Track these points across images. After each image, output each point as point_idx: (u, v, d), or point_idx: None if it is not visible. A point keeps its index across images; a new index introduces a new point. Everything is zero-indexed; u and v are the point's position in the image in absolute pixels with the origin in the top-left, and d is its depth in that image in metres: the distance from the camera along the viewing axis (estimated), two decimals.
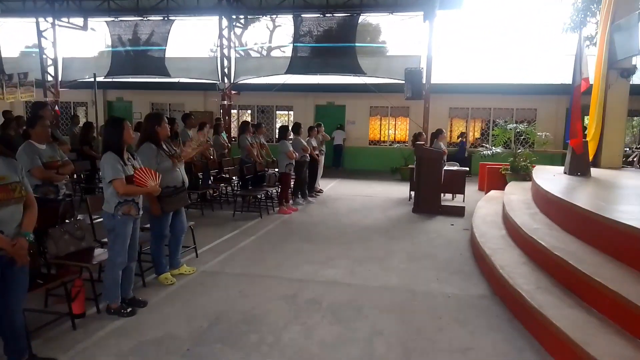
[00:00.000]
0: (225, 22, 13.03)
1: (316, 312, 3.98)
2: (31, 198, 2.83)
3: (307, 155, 8.88)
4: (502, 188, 8.93)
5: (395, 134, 15.99)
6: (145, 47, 13.61)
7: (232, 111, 15.07)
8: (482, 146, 11.83)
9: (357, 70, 12.59)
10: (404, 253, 5.81)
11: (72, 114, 15.00)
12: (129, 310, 3.82)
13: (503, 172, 9.83)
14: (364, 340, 3.49)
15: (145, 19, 13.41)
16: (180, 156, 4.57)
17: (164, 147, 4.42)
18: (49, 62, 13.90)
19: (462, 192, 9.50)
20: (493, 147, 10.47)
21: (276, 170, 8.76)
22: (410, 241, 6.41)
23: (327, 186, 11.21)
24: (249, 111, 16.99)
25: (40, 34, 13.58)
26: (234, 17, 13.27)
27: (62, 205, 4.17)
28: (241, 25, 15.35)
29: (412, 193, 9.18)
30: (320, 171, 10.40)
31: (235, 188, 9.25)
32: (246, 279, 4.78)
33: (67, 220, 4.14)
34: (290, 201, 8.68)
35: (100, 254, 4.12)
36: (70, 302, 3.59)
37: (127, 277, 3.95)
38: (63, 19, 13.70)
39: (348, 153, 15.71)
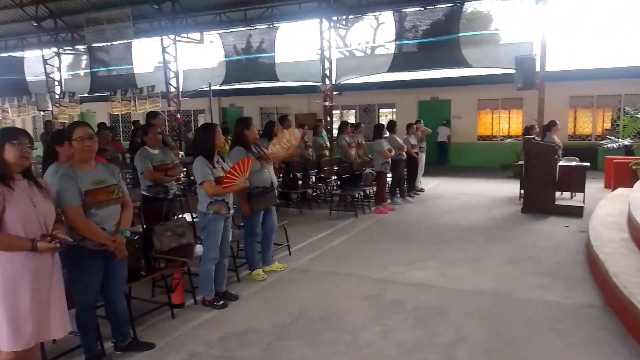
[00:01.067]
0: (325, 24, 13.30)
1: (399, 313, 3.88)
2: (127, 199, 3.18)
3: (404, 153, 8.68)
4: (631, 185, 7.85)
5: (508, 127, 14.90)
6: (255, 55, 14.44)
7: (335, 111, 15.32)
8: (608, 138, 10.48)
9: (461, 63, 11.95)
10: (503, 255, 5.40)
11: (187, 121, 16.43)
12: (221, 303, 4.09)
13: (633, 167, 8.63)
14: (446, 346, 3.32)
15: (252, 28, 14.24)
16: (268, 158, 4.76)
17: (253, 149, 4.65)
18: (172, 74, 15.44)
19: (582, 190, 8.50)
20: (620, 139, 9.23)
21: (373, 169, 8.71)
22: (513, 243, 5.93)
23: (430, 185, 10.84)
24: (353, 111, 17.12)
25: (164, 50, 15.15)
26: (334, 18, 13.48)
27: (165, 204, 4.60)
28: (344, 26, 15.53)
29: (523, 191, 8.47)
30: (421, 169, 10.09)
31: (334, 188, 9.39)
32: (333, 277, 4.84)
33: (171, 218, 4.57)
34: (388, 200, 8.57)
35: (199, 250, 4.48)
36: (170, 293, 3.95)
37: (220, 271, 4.23)
38: (183, 35, 15.11)
39: (454, 149, 15.03)
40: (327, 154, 10.47)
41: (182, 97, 15.65)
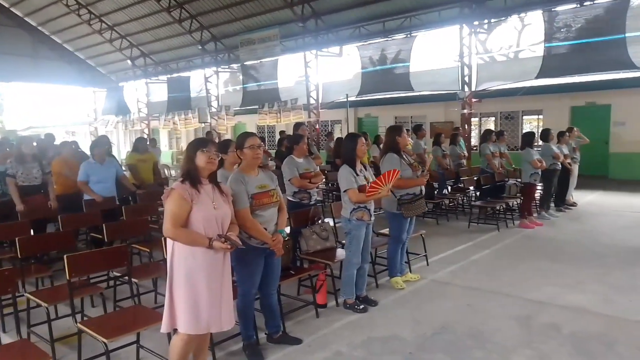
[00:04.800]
0: (466, 30, 12.84)
1: (553, 339, 3.56)
2: (282, 202, 3.46)
3: (559, 163, 7.93)
4: None
5: None
6: (390, 65, 14.54)
7: (474, 119, 14.65)
8: None
9: (628, 65, 10.49)
10: None
11: (328, 131, 17.16)
12: (361, 307, 4.20)
13: None
14: None
15: (390, 38, 14.37)
16: (418, 165, 4.76)
17: (404, 157, 4.69)
18: (312, 87, 16.31)
19: None
20: None
21: (518, 180, 8.11)
22: None
23: (585, 199, 9.73)
24: (492, 118, 16.19)
25: (306, 64, 16.10)
26: (476, 23, 12.94)
27: (312, 209, 4.87)
28: (485, 31, 14.83)
29: None
30: (574, 182, 9.12)
31: (473, 198, 8.97)
32: (476, 292, 4.62)
33: (315, 223, 4.83)
34: (535, 214, 7.91)
35: (340, 253, 4.66)
36: (315, 293, 4.18)
37: (361, 276, 4.35)
38: (323, 50, 15.90)
39: (615, 160, 13.26)
40: (465, 163, 10.07)
41: (321, 109, 16.43)
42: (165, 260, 5.05)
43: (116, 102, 23.10)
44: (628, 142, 13.09)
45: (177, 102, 20.17)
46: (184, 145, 24.25)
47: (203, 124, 19.27)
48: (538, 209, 8.18)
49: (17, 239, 3.88)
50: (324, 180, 9.61)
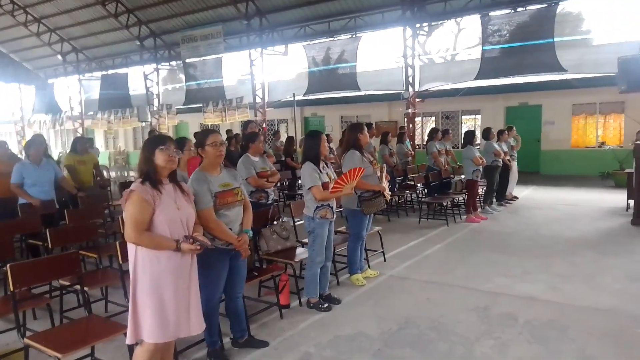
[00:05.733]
0: (409, 32, 13.20)
1: (511, 327, 3.72)
2: (247, 201, 3.35)
3: (500, 160, 8.34)
4: None
5: (605, 134, 13.82)
6: (337, 65, 14.65)
7: (416, 119, 15.11)
8: None
9: (557, 68, 11.24)
10: (620, 271, 4.99)
11: (275, 130, 17.02)
12: (325, 305, 4.17)
13: None
14: None
15: (335, 39, 14.48)
16: (377, 163, 4.80)
17: (365, 154, 4.70)
18: (258, 86, 16.10)
19: None
20: None
21: (462, 177, 8.45)
22: (629, 258, 5.46)
23: (521, 194, 10.31)
24: (433, 118, 16.78)
25: (251, 63, 15.86)
26: (417, 25, 13.34)
27: (271, 209, 4.78)
28: (425, 33, 15.33)
29: (631, 202, 7.78)
30: (514, 178, 9.65)
31: (420, 195, 9.23)
32: (434, 286, 4.74)
33: (274, 222, 4.74)
34: (479, 209, 8.27)
35: (301, 252, 4.61)
36: (278, 294, 4.09)
37: (324, 275, 4.32)
38: (269, 48, 15.73)
39: (546, 157, 14.20)
40: (411, 161, 10.35)
41: (267, 108, 16.25)
42: (112, 267, 4.80)
43: (47, 100, 21.58)
44: (557, 140, 14.06)
45: (112, 100, 19.15)
46: (122, 145, 23.08)
47: (143, 123, 18.45)
48: (482, 204, 8.56)
49: None
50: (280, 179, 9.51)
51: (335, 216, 4.29)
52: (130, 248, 2.61)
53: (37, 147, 5.66)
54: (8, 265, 2.93)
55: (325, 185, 4.06)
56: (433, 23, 14.73)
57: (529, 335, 3.56)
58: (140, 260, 2.58)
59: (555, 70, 11.31)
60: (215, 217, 3.03)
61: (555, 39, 11.29)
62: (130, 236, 2.53)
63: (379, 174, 4.64)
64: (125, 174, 17.52)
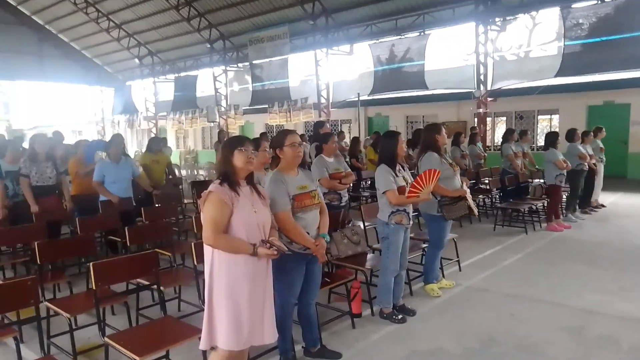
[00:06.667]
0: (481, 28, 12.58)
1: (613, 353, 3.31)
2: (324, 205, 3.22)
3: (585, 163, 7.67)
4: None
5: None
6: (404, 64, 14.29)
7: (487, 119, 14.40)
8: None
9: None
10: None
11: (339, 130, 16.91)
12: (400, 317, 3.94)
13: None
14: None
15: (403, 36, 14.11)
16: (456, 165, 4.53)
17: (444, 155, 4.45)
18: (323, 86, 16.06)
19: None
20: None
21: (542, 181, 7.85)
22: None
23: (608, 200, 9.45)
24: (504, 118, 15.92)
25: (317, 63, 15.85)
26: (490, 20, 12.68)
27: (342, 212, 4.63)
28: (497, 28, 14.58)
29: None
30: (600, 183, 8.85)
31: (495, 200, 8.71)
32: (517, 300, 4.37)
33: (346, 226, 4.59)
34: (561, 216, 7.65)
35: (371, 258, 4.43)
36: (350, 302, 3.92)
37: (398, 284, 4.09)
38: (334, 48, 15.65)
39: (634, 160, 12.98)
40: (483, 163, 9.81)
41: (331, 108, 16.18)
42: (185, 265, 4.86)
43: (124, 101, 22.97)
44: None
45: (183, 101, 19.98)
46: (191, 145, 24.03)
47: (211, 123, 19.06)
48: (564, 211, 7.91)
49: (36, 243, 3.65)
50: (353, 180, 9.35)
51: (411, 222, 4.06)
52: (207, 251, 2.55)
53: (116, 146, 5.89)
54: (91, 263, 2.99)
55: (401, 190, 3.85)
56: (507, 18, 13.96)
57: None
58: (217, 265, 2.51)
59: None
60: (293, 220, 2.92)
61: None
62: (208, 238, 2.46)
63: (458, 177, 4.35)
64: (195, 172, 18.16)
